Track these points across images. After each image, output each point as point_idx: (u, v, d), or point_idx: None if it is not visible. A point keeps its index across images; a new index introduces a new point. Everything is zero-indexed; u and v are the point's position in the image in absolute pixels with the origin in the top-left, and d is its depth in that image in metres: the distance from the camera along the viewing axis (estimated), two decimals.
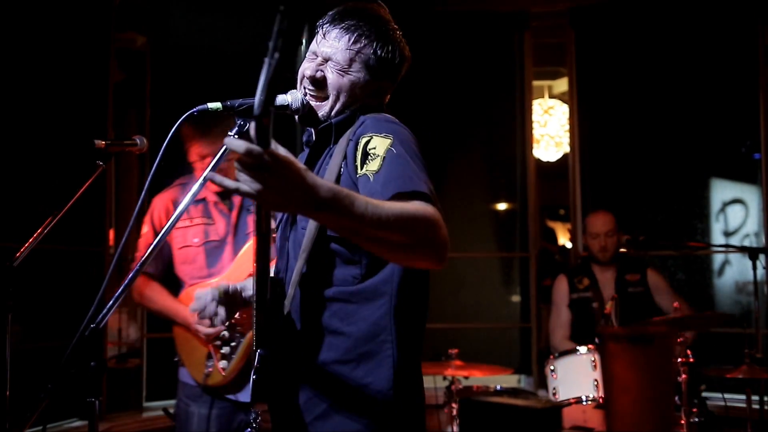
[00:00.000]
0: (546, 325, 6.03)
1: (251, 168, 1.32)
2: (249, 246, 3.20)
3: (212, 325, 2.67)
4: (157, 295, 3.25)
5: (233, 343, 3.08)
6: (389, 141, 1.75)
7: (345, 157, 1.82)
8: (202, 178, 1.95)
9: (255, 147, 1.30)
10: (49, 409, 1.79)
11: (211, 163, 1.97)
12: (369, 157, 1.74)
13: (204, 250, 3.23)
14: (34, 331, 4.19)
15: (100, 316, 1.80)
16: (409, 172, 1.69)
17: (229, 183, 1.36)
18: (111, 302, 1.83)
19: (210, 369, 3.10)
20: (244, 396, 3.09)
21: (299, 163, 1.39)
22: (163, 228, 3.18)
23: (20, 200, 4.04)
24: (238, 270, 3.14)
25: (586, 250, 4.82)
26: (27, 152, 4.18)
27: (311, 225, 1.83)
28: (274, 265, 2.03)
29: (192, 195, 1.97)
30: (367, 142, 1.77)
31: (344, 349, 1.83)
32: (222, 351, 3.09)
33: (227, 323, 3.05)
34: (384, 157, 1.72)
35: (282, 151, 1.37)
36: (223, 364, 3.08)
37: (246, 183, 1.34)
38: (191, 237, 3.23)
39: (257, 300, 1.70)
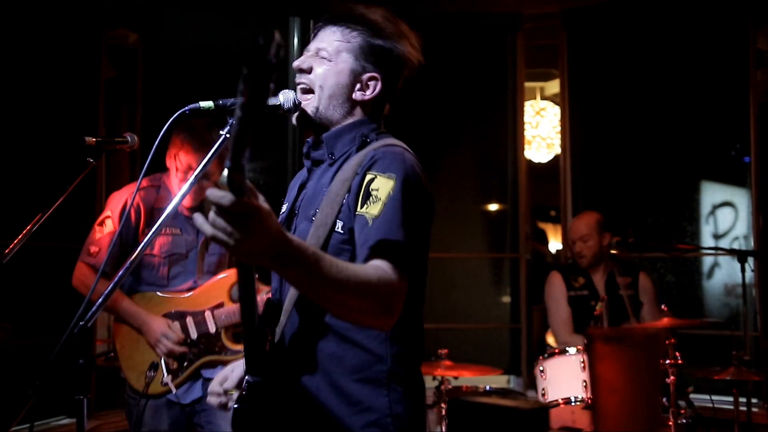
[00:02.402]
0: (537, 326, 6.05)
1: (224, 216, 1.34)
2: (221, 278, 3.24)
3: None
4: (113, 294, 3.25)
5: (185, 363, 3.17)
6: (391, 184, 1.76)
7: (349, 190, 1.81)
8: (185, 188, 1.96)
9: (225, 199, 1.32)
10: (37, 406, 1.78)
11: (193, 174, 1.97)
12: (370, 198, 1.76)
13: (168, 261, 3.23)
14: (22, 328, 4.18)
15: (90, 314, 1.79)
16: (399, 220, 1.73)
17: (207, 229, 1.37)
18: (100, 300, 1.83)
19: (150, 378, 3.13)
20: (183, 397, 3.17)
21: (272, 217, 1.40)
22: (129, 224, 3.20)
23: (10, 197, 4.02)
24: (204, 296, 3.19)
25: None
26: (17, 149, 4.16)
27: None
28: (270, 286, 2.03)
29: (173, 206, 1.96)
30: (371, 181, 1.78)
31: (340, 375, 1.80)
32: (173, 366, 3.14)
33: (188, 341, 3.14)
34: (385, 203, 1.74)
35: (261, 201, 1.38)
36: (168, 378, 3.14)
37: (219, 230, 1.36)
38: (157, 246, 3.22)
39: (244, 326, 1.68)
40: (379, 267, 1.66)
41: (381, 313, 1.68)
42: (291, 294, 1.84)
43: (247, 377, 1.71)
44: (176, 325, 3.17)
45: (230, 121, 1.95)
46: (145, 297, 3.24)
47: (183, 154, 3.17)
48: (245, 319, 1.65)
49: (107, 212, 3.25)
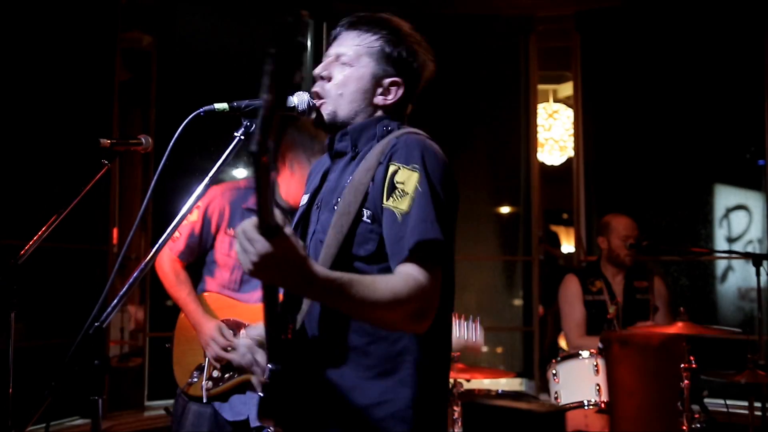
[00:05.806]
0: (549, 329, 6.02)
1: (255, 252, 1.43)
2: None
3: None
4: (183, 285, 3.18)
5: (227, 375, 3.07)
6: (416, 176, 1.76)
7: (373, 179, 1.81)
8: (199, 190, 1.95)
9: (259, 245, 1.42)
10: (51, 406, 1.79)
11: (213, 169, 1.96)
12: (396, 192, 1.76)
13: (242, 270, 3.15)
14: (37, 329, 4.20)
15: (104, 315, 1.80)
16: (432, 216, 1.74)
17: (237, 249, 1.48)
18: (115, 301, 1.83)
19: (195, 380, 3.10)
20: (225, 412, 3.08)
21: (300, 249, 1.47)
22: (211, 222, 3.13)
23: (25, 198, 4.04)
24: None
25: (593, 253, 4.77)
26: (32, 150, 4.18)
27: (330, 240, 1.81)
28: None
29: (195, 199, 1.96)
30: (395, 173, 1.78)
31: (364, 366, 1.80)
32: (214, 373, 3.09)
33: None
34: (413, 198, 1.75)
35: (288, 231, 1.43)
36: (209, 384, 3.08)
37: (246, 258, 1.45)
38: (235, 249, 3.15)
39: (266, 312, 1.67)
40: (409, 275, 1.69)
41: (416, 321, 1.72)
42: None
43: (269, 365, 1.70)
44: (230, 332, 3.07)
45: (244, 122, 1.96)
46: (212, 297, 3.18)
47: (292, 154, 3.13)
48: (267, 304, 1.65)
49: (200, 203, 3.16)
